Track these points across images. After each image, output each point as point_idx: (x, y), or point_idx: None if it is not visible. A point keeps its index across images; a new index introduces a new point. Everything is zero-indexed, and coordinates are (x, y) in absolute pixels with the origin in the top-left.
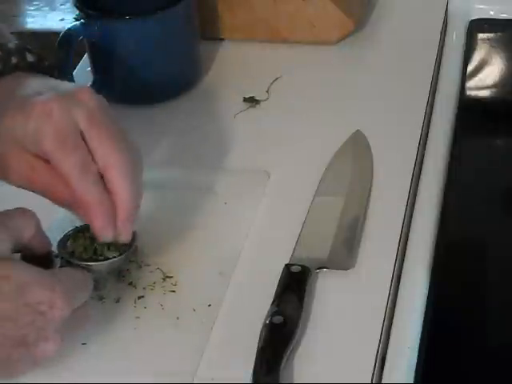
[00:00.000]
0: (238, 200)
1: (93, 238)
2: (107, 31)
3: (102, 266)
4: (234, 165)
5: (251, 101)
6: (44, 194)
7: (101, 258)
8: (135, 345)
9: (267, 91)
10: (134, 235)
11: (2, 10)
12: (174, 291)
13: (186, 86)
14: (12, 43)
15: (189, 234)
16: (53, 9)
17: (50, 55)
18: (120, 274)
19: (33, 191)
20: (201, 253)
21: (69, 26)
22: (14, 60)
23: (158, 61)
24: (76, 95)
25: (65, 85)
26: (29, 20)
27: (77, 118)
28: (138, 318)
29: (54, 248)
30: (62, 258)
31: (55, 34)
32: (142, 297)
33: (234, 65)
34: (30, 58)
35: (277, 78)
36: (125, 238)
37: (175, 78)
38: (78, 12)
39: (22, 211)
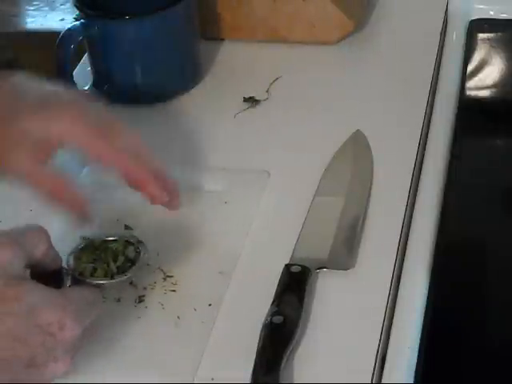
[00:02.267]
0: (237, 200)
1: (100, 254)
2: (107, 31)
3: (113, 284)
4: (234, 165)
5: (251, 101)
6: (41, 189)
7: (115, 275)
8: (135, 344)
9: (267, 91)
10: (141, 248)
11: (1, 10)
12: (174, 291)
13: (186, 85)
14: None
15: (189, 234)
16: (53, 9)
17: (50, 55)
18: None
19: (30, 186)
20: (201, 252)
21: (69, 25)
22: None
23: (158, 61)
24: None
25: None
26: (29, 20)
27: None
28: (138, 317)
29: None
30: (72, 274)
31: (55, 33)
32: (143, 296)
33: (234, 65)
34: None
35: (277, 78)
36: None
37: (175, 78)
38: (77, 12)
39: (34, 228)
